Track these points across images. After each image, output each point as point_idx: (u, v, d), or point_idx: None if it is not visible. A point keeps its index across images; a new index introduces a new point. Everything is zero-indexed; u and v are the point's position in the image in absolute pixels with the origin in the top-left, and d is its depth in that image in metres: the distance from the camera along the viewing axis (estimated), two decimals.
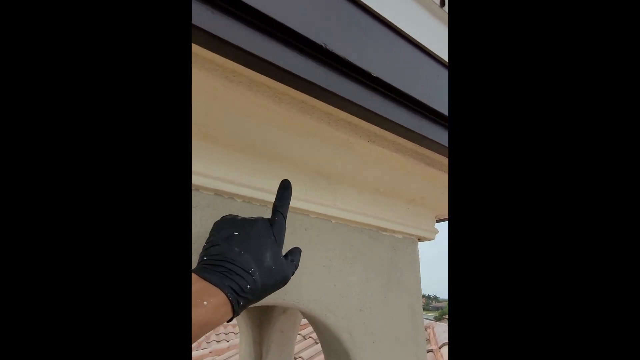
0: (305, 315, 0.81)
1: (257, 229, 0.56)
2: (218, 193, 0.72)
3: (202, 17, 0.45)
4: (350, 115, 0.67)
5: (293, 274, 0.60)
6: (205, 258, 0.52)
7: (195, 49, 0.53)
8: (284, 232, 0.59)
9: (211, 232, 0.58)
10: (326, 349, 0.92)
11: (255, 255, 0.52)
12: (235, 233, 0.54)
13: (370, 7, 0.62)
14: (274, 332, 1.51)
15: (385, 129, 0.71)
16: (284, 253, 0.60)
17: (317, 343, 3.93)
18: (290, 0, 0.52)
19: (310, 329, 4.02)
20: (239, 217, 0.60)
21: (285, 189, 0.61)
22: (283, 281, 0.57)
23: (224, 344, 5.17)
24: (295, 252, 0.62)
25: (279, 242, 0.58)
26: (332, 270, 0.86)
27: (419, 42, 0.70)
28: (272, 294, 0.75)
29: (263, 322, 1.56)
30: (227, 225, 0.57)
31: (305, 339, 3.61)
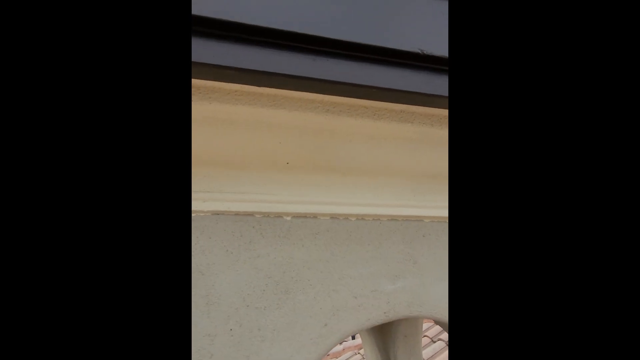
0: (444, 327, 0.77)
1: None
2: (334, 216, 0.76)
3: (306, 65, 0.49)
4: None
5: None
6: None
7: (296, 94, 0.57)
8: None
9: None
10: None
11: None
12: None
13: None
14: (398, 337, 1.50)
15: None
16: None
17: (434, 342, 3.72)
18: (378, 21, 0.51)
19: (425, 326, 3.84)
20: None
21: None
22: None
23: (337, 346, 5.39)
24: None
25: None
26: None
27: None
28: (408, 307, 0.74)
29: (384, 328, 1.56)
30: None
31: (434, 342, 3.44)
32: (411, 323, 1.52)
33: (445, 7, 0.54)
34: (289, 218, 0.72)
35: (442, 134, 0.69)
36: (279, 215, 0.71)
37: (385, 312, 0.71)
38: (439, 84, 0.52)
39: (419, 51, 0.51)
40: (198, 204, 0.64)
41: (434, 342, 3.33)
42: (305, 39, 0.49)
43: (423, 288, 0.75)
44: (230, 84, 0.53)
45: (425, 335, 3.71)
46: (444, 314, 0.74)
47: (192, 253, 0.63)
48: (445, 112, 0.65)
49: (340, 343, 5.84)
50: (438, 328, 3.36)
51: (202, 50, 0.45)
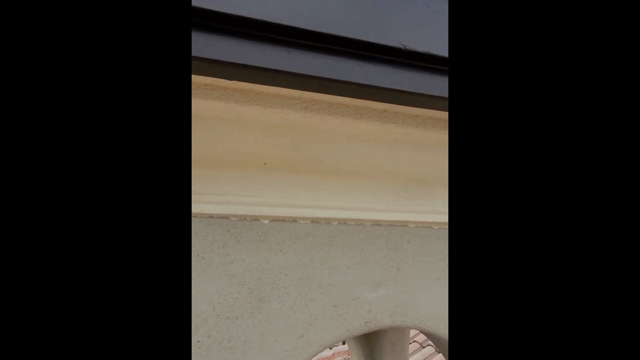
0: (429, 337, 0.74)
1: None
2: (314, 220, 0.72)
3: (280, 58, 0.45)
4: (439, 111, 0.59)
5: None
6: None
7: (271, 89, 0.54)
8: None
9: None
10: None
11: None
12: None
13: None
14: (385, 345, 1.46)
15: None
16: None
17: (423, 347, 3.70)
18: (354, 11, 0.49)
19: (413, 331, 3.82)
20: None
21: None
22: None
23: (327, 352, 5.32)
24: None
25: None
26: (447, 282, 0.77)
27: None
28: (390, 316, 0.71)
29: (371, 335, 1.53)
30: None
31: (424, 347, 3.41)
32: (398, 330, 1.49)
33: (429, 1, 0.52)
34: (266, 221, 0.68)
35: (428, 135, 0.66)
36: (256, 219, 0.68)
37: (366, 322, 0.68)
38: (422, 82, 0.50)
39: (401, 46, 0.48)
40: None
41: (424, 347, 3.31)
42: (279, 29, 0.45)
43: (407, 296, 0.72)
44: (199, 76, 0.49)
45: (414, 341, 3.69)
46: (427, 323, 0.71)
47: None
48: (430, 113, 0.62)
49: (330, 348, 5.78)
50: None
51: None
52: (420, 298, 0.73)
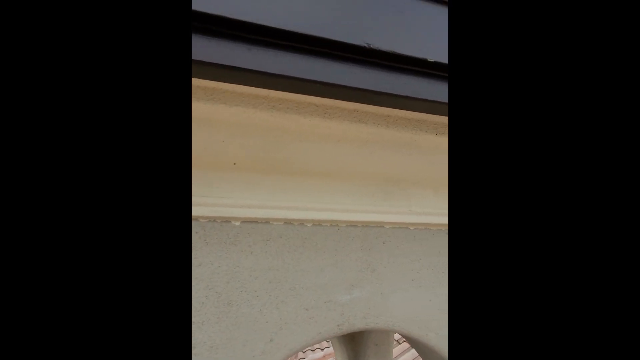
0: (405, 337, 0.73)
1: None
2: (288, 222, 0.71)
3: (240, 55, 0.44)
4: (411, 112, 0.59)
5: None
6: None
7: (237, 87, 0.53)
8: None
9: None
10: None
11: None
12: None
13: None
14: (369, 346, 1.46)
15: None
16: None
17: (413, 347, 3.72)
18: (319, 9, 0.48)
19: None
20: None
21: None
22: None
23: (318, 353, 5.31)
24: None
25: None
26: (423, 283, 0.77)
27: None
28: (363, 319, 0.70)
29: (355, 337, 1.52)
30: None
31: (400, 343, 3.43)
32: (382, 332, 1.48)
33: (394, 1, 0.51)
34: (237, 223, 0.67)
35: (399, 136, 0.66)
36: (226, 220, 0.66)
37: (338, 325, 0.67)
38: (387, 81, 0.49)
39: (365, 45, 0.47)
40: None
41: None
42: (241, 26, 0.44)
43: (381, 298, 0.71)
44: None
45: (404, 341, 3.70)
46: (401, 325, 0.71)
47: None
48: (402, 113, 0.62)
49: (322, 349, 5.76)
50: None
51: None
52: (395, 299, 0.72)
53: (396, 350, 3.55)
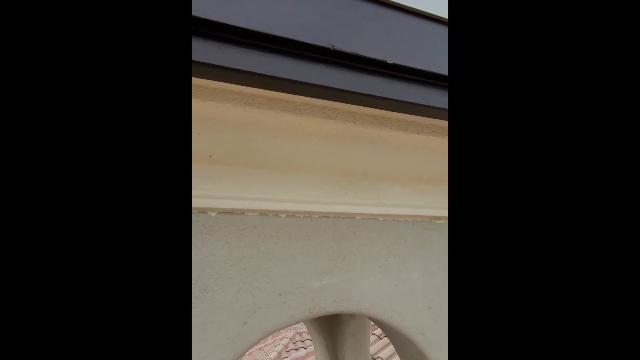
0: (372, 320, 0.78)
1: None
2: (263, 213, 0.75)
3: (211, 52, 0.47)
4: (375, 109, 0.64)
5: None
6: None
7: (211, 83, 0.56)
8: None
9: None
10: (401, 353, 0.88)
11: None
12: None
13: None
14: (346, 337, 1.51)
15: (416, 114, 0.66)
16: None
17: None
18: (288, 13, 0.52)
19: None
20: None
21: None
22: None
23: (302, 352, 5.33)
24: None
25: None
26: (389, 270, 0.82)
27: (427, 13, 0.64)
28: (333, 303, 0.74)
29: (333, 328, 1.57)
30: None
31: (381, 339, 3.51)
32: (359, 323, 1.54)
33: (358, 6, 0.56)
34: (214, 214, 0.69)
35: (366, 132, 0.71)
36: (202, 211, 0.69)
37: (309, 309, 0.71)
38: (350, 80, 0.54)
39: (329, 46, 0.52)
40: None
41: None
42: (211, 25, 0.47)
43: (350, 284, 0.76)
44: None
45: (385, 336, 3.78)
46: (369, 308, 0.76)
47: None
48: (367, 110, 0.67)
49: (305, 348, 5.77)
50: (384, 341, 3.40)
51: None
52: (363, 285, 0.77)
53: (378, 344, 3.63)
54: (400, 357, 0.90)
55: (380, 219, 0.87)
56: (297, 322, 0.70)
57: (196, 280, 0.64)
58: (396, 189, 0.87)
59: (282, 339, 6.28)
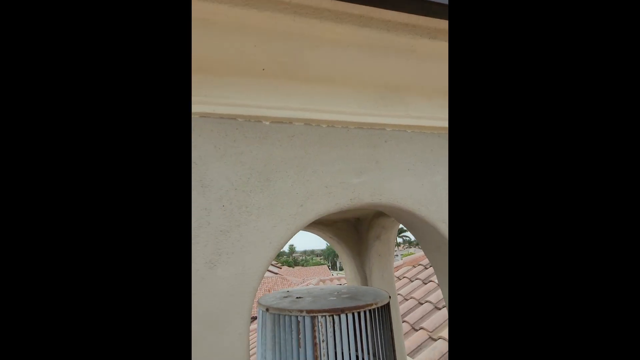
0: (402, 212, 0.93)
1: None
2: (307, 122, 0.87)
3: None
4: (408, 15, 0.71)
5: None
6: None
7: None
8: None
9: None
10: (425, 243, 1.04)
11: None
12: None
13: None
14: (373, 255, 1.72)
15: (446, 18, 0.73)
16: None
17: (411, 281, 4.08)
18: None
19: (403, 270, 4.19)
20: None
21: None
22: None
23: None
24: None
25: None
26: (417, 172, 0.95)
27: None
28: (370, 196, 0.89)
29: (361, 249, 1.78)
30: None
31: (425, 284, 3.59)
32: (384, 243, 1.73)
33: None
34: (267, 122, 0.83)
35: (398, 40, 0.79)
36: (258, 120, 0.82)
37: (351, 199, 0.86)
38: None
39: None
40: None
41: (425, 284, 3.47)
42: None
43: (383, 181, 0.90)
44: None
45: (417, 278, 3.84)
46: (399, 200, 0.90)
47: None
48: (400, 18, 0.74)
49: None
50: (429, 271, 3.56)
51: None
52: (395, 183, 0.91)
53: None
54: (421, 243, 1.06)
55: (409, 131, 0.97)
56: (341, 209, 0.86)
57: (260, 172, 0.79)
58: (424, 103, 0.96)
59: (307, 285, 6.86)
